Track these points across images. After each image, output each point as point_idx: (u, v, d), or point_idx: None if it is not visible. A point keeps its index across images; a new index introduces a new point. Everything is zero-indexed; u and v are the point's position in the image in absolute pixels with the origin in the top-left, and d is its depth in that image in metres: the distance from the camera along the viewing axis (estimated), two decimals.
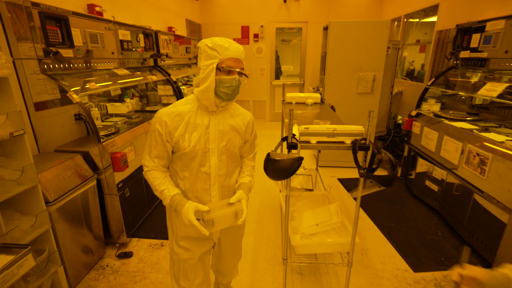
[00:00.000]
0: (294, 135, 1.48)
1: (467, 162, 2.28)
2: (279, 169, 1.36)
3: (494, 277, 0.82)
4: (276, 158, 1.37)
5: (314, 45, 6.03)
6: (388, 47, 4.05)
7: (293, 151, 1.45)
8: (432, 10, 4.15)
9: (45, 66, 1.96)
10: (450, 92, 3.18)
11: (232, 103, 1.27)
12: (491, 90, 2.32)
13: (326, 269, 2.10)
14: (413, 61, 5.48)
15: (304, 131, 1.45)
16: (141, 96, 3.79)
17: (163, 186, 1.19)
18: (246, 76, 1.17)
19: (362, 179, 1.42)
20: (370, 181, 1.36)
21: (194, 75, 5.25)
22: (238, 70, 1.13)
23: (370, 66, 3.50)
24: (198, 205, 1.15)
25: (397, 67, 5.14)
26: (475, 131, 2.35)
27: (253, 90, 6.52)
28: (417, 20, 4.84)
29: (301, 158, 1.36)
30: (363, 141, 1.41)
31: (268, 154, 1.42)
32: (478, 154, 2.16)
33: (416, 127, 3.13)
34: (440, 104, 3.21)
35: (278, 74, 6.86)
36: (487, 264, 2.06)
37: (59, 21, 2.00)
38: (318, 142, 1.47)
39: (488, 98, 2.57)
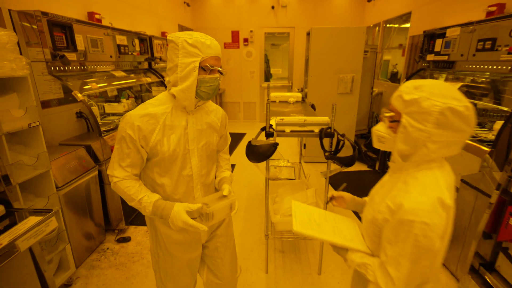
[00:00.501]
0: (271, 125, 1.74)
1: None
2: (258, 153, 1.62)
3: (354, 199, 1.15)
4: (256, 144, 1.63)
5: (301, 49, 6.33)
6: (367, 51, 4.38)
7: (271, 138, 1.71)
8: (409, 16, 4.50)
9: (52, 68, 2.19)
10: None
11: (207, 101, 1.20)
12: None
13: (305, 247, 2.36)
14: (396, 64, 5.84)
15: (279, 122, 1.72)
16: (136, 97, 4.01)
17: (140, 194, 1.09)
18: (222, 74, 1.12)
19: (329, 161, 1.69)
20: (334, 162, 1.63)
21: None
22: (219, 69, 1.09)
23: (349, 68, 3.81)
24: (189, 204, 1.07)
25: (378, 70, 5.49)
26: None
27: (244, 92, 6.79)
28: (396, 25, 5.20)
29: (276, 144, 1.62)
30: (328, 130, 1.69)
31: (249, 141, 1.67)
32: None
33: None
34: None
35: (268, 77, 7.15)
36: None
37: (64, 27, 2.23)
38: (291, 131, 1.74)
39: None
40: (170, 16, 5.23)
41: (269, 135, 1.70)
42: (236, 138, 5.49)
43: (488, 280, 1.68)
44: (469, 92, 2.77)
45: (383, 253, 0.84)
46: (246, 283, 2.01)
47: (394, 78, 5.60)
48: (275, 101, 2.91)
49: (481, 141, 2.11)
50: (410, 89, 0.79)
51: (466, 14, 2.95)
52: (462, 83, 2.57)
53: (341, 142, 1.67)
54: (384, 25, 5.28)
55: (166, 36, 4.70)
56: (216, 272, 1.39)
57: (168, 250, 1.24)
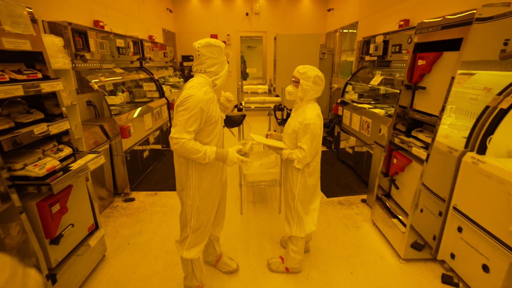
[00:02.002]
0: (241, 103, 2.51)
1: (362, 128, 3.47)
2: (232, 121, 2.37)
3: (277, 135, 2.02)
4: (231, 115, 2.39)
5: (273, 51, 7.18)
6: (324, 53, 5.28)
7: (240, 112, 2.48)
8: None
9: (73, 65, 2.83)
10: (362, 84, 4.42)
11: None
12: (375, 81, 3.54)
13: (270, 198, 3.15)
14: None
15: (247, 101, 2.50)
16: (129, 92, 4.63)
17: (203, 147, 1.52)
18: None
19: (280, 126, 2.49)
20: (283, 126, 2.43)
21: (169, 76, 6.15)
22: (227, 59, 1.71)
23: None
24: (235, 147, 1.63)
25: (338, 69, 6.43)
26: (366, 108, 3.56)
27: (222, 89, 7.50)
28: (354, 31, 6.14)
29: (245, 115, 2.39)
30: (280, 106, 2.49)
31: (226, 115, 2.43)
32: (366, 121, 3.35)
33: (340, 111, 4.32)
34: (357, 94, 4.43)
35: (245, 76, 7.93)
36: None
37: (81, 33, 2.88)
38: (255, 107, 2.52)
39: (374, 86, 3.80)
40: (156, 22, 5.88)
41: (240, 109, 2.47)
42: None
43: (387, 204, 2.55)
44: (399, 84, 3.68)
45: (299, 141, 1.74)
46: (226, 220, 2.75)
47: None
48: (247, 92, 3.69)
49: (390, 116, 3.00)
50: (300, 68, 1.72)
51: (388, 26, 3.90)
52: (383, 77, 3.49)
53: (289, 113, 2.47)
54: (341, 31, 6.23)
55: (153, 39, 5.35)
56: (219, 210, 1.96)
57: (207, 192, 1.69)
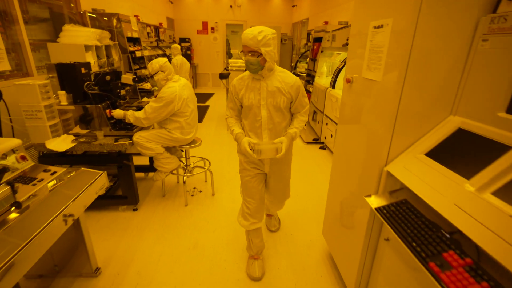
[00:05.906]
0: (227, 67, 4.70)
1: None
2: (223, 75, 4.54)
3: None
4: (223, 72, 4.56)
5: None
6: (285, 40, 7.46)
7: (226, 71, 4.65)
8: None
9: None
10: (306, 61, 6.67)
11: (274, 73, 1.65)
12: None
13: None
14: None
15: (232, 64, 4.68)
16: None
17: (232, 127, 1.74)
18: (259, 54, 1.51)
19: None
20: None
21: (169, 54, 8.11)
22: (247, 52, 1.53)
23: None
24: (250, 139, 1.66)
25: (299, 52, 8.63)
26: (304, 75, 5.82)
27: (212, 66, 9.57)
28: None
29: (229, 73, 4.57)
30: None
31: (220, 72, 4.59)
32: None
33: None
34: (306, 68, 6.67)
35: (229, 55, 9.96)
36: None
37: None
38: (236, 69, 4.71)
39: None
40: (162, 11, 7.77)
41: (226, 69, 4.65)
42: (207, 96, 8.33)
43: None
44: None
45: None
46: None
47: None
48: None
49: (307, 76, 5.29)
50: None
51: (320, 24, 6.12)
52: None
53: None
54: (301, 22, 8.39)
55: (162, 25, 7.29)
56: (270, 193, 2.03)
57: (244, 166, 1.85)
